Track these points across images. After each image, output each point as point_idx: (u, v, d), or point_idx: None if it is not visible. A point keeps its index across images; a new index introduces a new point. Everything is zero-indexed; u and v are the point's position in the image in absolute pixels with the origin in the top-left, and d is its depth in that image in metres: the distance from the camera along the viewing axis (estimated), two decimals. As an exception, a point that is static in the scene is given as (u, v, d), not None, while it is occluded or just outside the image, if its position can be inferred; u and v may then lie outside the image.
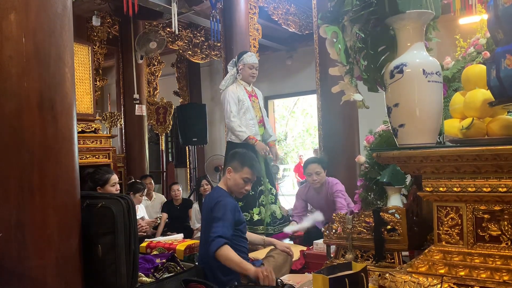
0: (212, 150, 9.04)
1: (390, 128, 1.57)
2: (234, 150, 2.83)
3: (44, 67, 1.86)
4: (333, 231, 2.02)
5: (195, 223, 5.02)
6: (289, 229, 3.79)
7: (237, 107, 3.80)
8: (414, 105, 1.43)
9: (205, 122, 7.64)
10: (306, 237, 3.84)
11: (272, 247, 3.02)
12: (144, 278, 2.35)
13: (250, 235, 2.78)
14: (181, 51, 8.10)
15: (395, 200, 2.25)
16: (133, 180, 5.29)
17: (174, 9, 5.34)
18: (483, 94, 1.48)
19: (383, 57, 1.55)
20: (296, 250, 3.63)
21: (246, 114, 3.82)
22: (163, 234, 4.88)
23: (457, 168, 1.30)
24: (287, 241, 3.94)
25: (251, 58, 3.96)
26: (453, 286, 1.27)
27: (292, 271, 3.23)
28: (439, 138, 1.55)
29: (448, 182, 1.33)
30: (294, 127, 14.97)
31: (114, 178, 3.13)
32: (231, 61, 4.06)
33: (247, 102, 3.84)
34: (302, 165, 4.28)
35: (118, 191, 3.16)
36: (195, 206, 5.30)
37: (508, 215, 1.26)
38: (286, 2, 6.89)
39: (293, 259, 3.42)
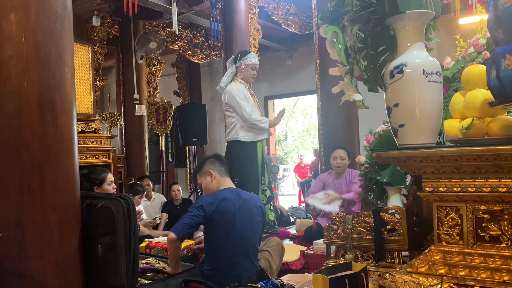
0: (212, 150, 9.03)
1: (390, 128, 1.56)
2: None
3: (44, 67, 1.86)
4: (333, 231, 2.02)
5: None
6: (313, 201, 3.82)
7: (247, 103, 3.80)
8: (414, 105, 1.43)
9: (205, 122, 7.64)
10: (307, 237, 3.86)
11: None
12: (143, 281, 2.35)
13: None
14: (181, 51, 8.10)
15: (395, 200, 2.25)
16: (133, 182, 5.28)
17: (174, 9, 5.34)
18: (483, 94, 1.48)
19: (383, 57, 1.55)
20: (296, 250, 3.64)
21: (254, 113, 3.83)
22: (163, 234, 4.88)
23: (457, 168, 1.30)
24: (286, 241, 3.94)
25: (255, 59, 3.97)
26: (453, 286, 1.27)
27: (292, 271, 3.24)
28: (439, 138, 1.55)
29: (448, 182, 1.33)
30: (294, 127, 14.98)
31: (110, 176, 3.12)
32: (230, 59, 4.03)
33: (251, 100, 3.85)
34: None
35: (115, 190, 3.16)
36: (195, 206, 5.29)
37: (508, 215, 1.25)
38: (286, 2, 6.90)
39: (293, 259, 3.43)
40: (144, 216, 4.31)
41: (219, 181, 2.69)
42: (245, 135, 3.83)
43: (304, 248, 3.69)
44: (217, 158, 2.80)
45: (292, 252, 3.56)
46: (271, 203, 4.05)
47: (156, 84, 8.38)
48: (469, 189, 1.29)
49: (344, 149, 4.11)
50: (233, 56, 4.02)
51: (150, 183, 5.84)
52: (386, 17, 1.47)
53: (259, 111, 3.98)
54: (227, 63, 4.05)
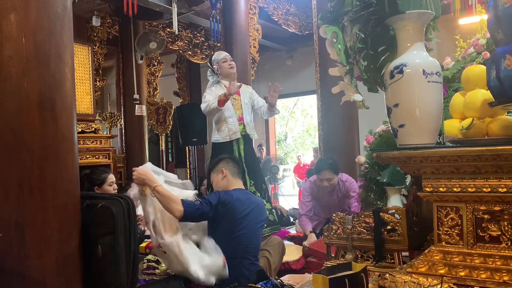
0: (212, 150, 9.03)
1: (390, 128, 1.57)
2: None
3: (44, 67, 1.86)
4: (333, 231, 2.01)
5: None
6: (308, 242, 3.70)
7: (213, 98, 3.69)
8: (414, 106, 1.43)
9: (205, 122, 7.64)
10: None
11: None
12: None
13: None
14: (181, 52, 8.10)
15: (395, 200, 2.25)
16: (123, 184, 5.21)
17: (174, 9, 5.34)
18: (483, 94, 1.48)
19: (383, 58, 1.55)
20: (296, 250, 3.64)
21: (225, 112, 3.69)
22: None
23: (457, 169, 1.30)
24: (286, 242, 3.93)
25: (219, 54, 3.91)
26: (453, 286, 1.27)
27: (292, 271, 3.24)
28: (439, 138, 1.55)
29: (448, 182, 1.33)
30: (294, 127, 15.00)
31: (111, 177, 3.12)
32: (208, 71, 4.00)
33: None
34: (315, 165, 4.17)
35: (116, 191, 3.16)
36: (195, 206, 5.29)
37: (508, 216, 1.26)
38: (286, 2, 6.90)
39: (294, 259, 3.43)
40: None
41: (229, 180, 2.68)
42: (215, 137, 3.79)
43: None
44: (232, 158, 2.81)
45: (293, 252, 3.56)
46: (268, 203, 3.90)
47: (156, 84, 8.37)
48: (469, 189, 1.29)
49: (330, 169, 3.82)
50: (209, 69, 3.99)
51: None
52: (386, 17, 1.47)
53: (239, 109, 3.79)
54: (207, 76, 4.00)
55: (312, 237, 3.71)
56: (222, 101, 3.58)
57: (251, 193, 2.81)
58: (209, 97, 3.71)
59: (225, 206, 2.48)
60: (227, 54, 3.94)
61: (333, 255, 2.06)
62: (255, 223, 2.60)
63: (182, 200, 2.35)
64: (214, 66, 3.88)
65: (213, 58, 3.92)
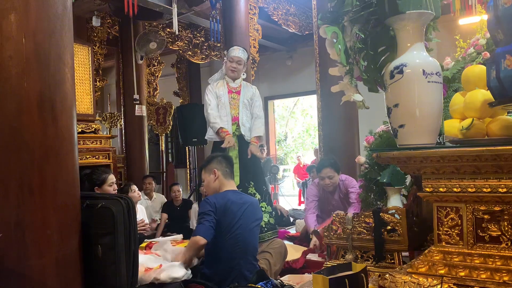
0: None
1: (390, 128, 1.57)
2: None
3: (44, 67, 1.86)
4: (333, 231, 2.01)
5: (195, 223, 5.03)
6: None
7: (216, 101, 3.70)
8: (414, 106, 1.43)
9: (205, 123, 7.61)
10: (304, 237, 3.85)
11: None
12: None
13: None
14: (181, 52, 8.09)
15: (395, 201, 2.25)
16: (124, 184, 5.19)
17: (174, 9, 5.34)
18: (483, 94, 1.48)
19: (383, 58, 1.55)
20: (296, 250, 3.64)
21: (221, 110, 3.69)
22: (163, 234, 4.88)
23: (457, 169, 1.30)
24: (286, 242, 3.94)
25: (232, 51, 3.76)
26: (453, 286, 1.27)
27: (292, 271, 3.24)
28: (439, 138, 1.55)
29: (448, 182, 1.33)
30: (294, 127, 15.00)
31: (111, 177, 3.12)
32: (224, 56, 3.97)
33: (224, 98, 3.69)
34: (316, 166, 4.18)
35: (116, 191, 3.16)
36: (195, 206, 5.32)
37: (508, 216, 1.26)
38: (286, 2, 6.90)
39: (294, 258, 3.43)
40: (146, 220, 4.28)
41: (221, 181, 2.67)
42: (208, 134, 3.76)
43: (305, 248, 3.70)
44: (225, 158, 2.78)
45: (292, 252, 3.57)
46: (265, 204, 3.69)
47: (156, 84, 8.37)
48: (469, 190, 1.29)
49: (331, 167, 3.87)
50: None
51: (153, 182, 5.84)
52: (386, 17, 1.47)
53: (236, 109, 3.74)
54: (223, 62, 3.96)
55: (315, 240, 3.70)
56: (222, 132, 3.57)
57: (243, 192, 2.80)
58: (212, 101, 3.65)
59: (219, 210, 2.50)
60: (238, 56, 3.76)
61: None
62: (250, 222, 2.61)
63: (194, 232, 2.49)
64: (224, 60, 3.83)
65: (227, 51, 3.83)
